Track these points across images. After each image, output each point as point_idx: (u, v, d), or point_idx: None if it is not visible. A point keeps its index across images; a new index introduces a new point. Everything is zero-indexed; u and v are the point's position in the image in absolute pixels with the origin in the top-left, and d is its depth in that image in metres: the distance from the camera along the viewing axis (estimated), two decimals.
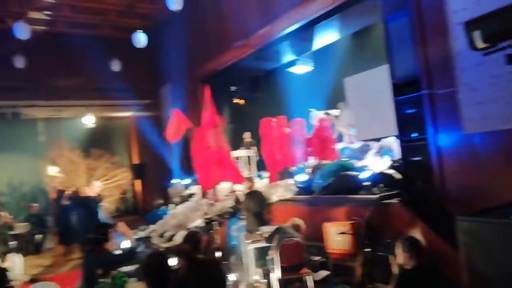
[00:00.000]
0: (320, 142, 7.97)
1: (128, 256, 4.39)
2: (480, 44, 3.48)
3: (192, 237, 4.16)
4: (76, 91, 11.57)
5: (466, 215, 3.31)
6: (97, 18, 11.27)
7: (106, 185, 9.79)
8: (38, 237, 10.79)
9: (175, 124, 9.49)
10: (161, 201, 11.73)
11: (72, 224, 9.59)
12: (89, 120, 12.58)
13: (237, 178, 8.40)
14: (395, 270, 3.70)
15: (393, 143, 7.32)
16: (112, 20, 11.42)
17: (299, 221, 5.44)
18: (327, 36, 8.40)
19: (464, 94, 4.68)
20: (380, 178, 5.62)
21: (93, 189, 8.37)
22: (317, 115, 8.52)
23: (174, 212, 8.75)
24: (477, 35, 3.47)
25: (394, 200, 5.20)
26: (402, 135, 5.52)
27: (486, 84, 4.49)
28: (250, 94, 11.39)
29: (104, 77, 11.38)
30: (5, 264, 6.17)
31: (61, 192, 10.03)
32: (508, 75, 4.15)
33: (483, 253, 3.11)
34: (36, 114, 13.09)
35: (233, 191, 8.21)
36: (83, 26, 11.40)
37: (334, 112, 8.96)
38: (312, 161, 7.95)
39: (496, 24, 3.39)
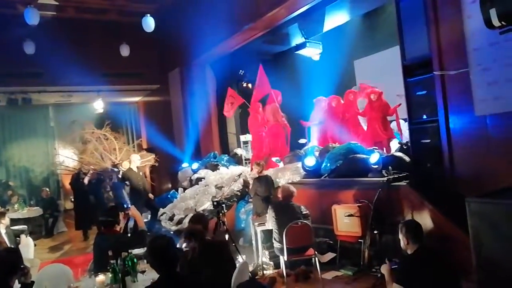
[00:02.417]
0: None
1: (139, 238, 4.43)
2: (496, 22, 3.38)
3: (200, 219, 4.20)
4: (86, 76, 11.59)
5: (476, 197, 3.26)
6: (106, 3, 11.19)
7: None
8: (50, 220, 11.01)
9: (229, 100, 9.82)
10: (170, 185, 11.85)
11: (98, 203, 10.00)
12: (99, 105, 12.65)
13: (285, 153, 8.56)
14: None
15: (402, 125, 7.23)
16: (121, 5, 11.33)
17: (301, 207, 5.48)
18: (337, 18, 8.26)
19: (477, 74, 4.57)
20: (389, 161, 5.56)
21: (135, 162, 8.62)
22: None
23: (183, 196, 8.81)
24: (493, 13, 3.37)
25: (403, 183, 5.16)
26: (412, 118, 5.44)
27: (500, 64, 4.37)
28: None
29: (113, 62, 11.40)
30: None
31: (93, 173, 10.40)
32: None
33: (492, 234, 3.08)
34: (46, 100, 13.22)
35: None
36: (92, 11, 11.35)
37: None
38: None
39: None
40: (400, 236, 3.23)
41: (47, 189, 12.01)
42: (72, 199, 11.17)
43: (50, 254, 8.73)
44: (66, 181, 12.98)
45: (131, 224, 6.64)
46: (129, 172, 8.55)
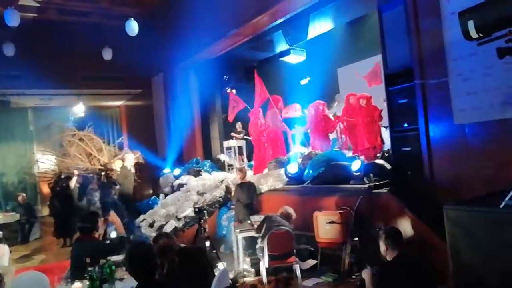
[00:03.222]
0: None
1: (118, 245, 4.35)
2: (474, 34, 3.44)
3: (162, 236, 4.08)
4: (67, 79, 11.40)
5: (453, 204, 3.31)
6: (89, 6, 11.05)
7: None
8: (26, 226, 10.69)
9: (231, 104, 10.02)
10: (151, 191, 11.68)
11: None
12: (79, 109, 12.44)
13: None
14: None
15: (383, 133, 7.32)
16: (105, 7, 11.22)
17: (290, 209, 5.43)
18: (321, 26, 8.33)
19: (456, 84, 4.67)
20: (370, 168, 5.61)
21: (130, 160, 8.38)
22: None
23: (164, 202, 8.70)
24: (470, 24, 3.44)
25: (384, 190, 5.21)
26: (394, 126, 5.51)
27: (479, 74, 4.47)
28: (243, 84, 11.32)
29: (95, 66, 11.24)
30: None
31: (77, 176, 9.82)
32: (501, 65, 4.13)
33: (468, 242, 3.12)
34: (25, 103, 12.93)
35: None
36: (74, 14, 11.19)
37: None
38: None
39: (490, 14, 3.35)
40: (380, 243, 3.26)
41: (24, 194, 11.69)
42: (50, 205, 10.83)
43: (26, 261, 8.48)
44: (44, 186, 12.66)
45: (110, 230, 6.52)
46: (124, 171, 8.30)
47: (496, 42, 3.38)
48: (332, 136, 8.73)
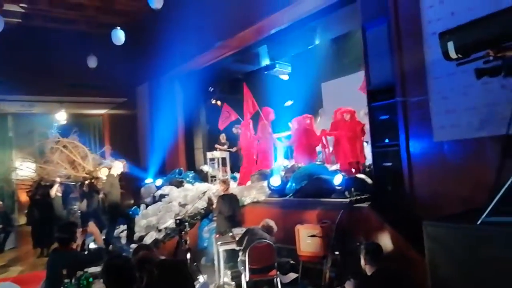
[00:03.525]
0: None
1: (96, 256, 4.27)
2: (453, 54, 3.55)
3: (143, 248, 4.02)
4: (50, 86, 11.25)
5: (432, 221, 3.36)
6: (75, 13, 11.01)
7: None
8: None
9: (224, 115, 10.17)
10: (132, 201, 11.51)
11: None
12: (61, 117, 12.26)
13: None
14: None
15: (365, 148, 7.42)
16: (90, 16, 11.18)
17: (271, 222, 5.42)
18: (306, 41, 8.47)
19: (436, 102, 4.78)
20: (352, 183, 5.67)
21: (117, 168, 8.22)
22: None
23: (145, 212, 8.59)
24: (450, 45, 3.55)
25: (365, 204, 5.27)
26: (375, 141, 5.59)
27: (457, 93, 4.60)
28: (228, 96, 11.36)
29: (80, 74, 11.14)
30: None
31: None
32: (478, 86, 4.25)
33: (447, 258, 3.16)
34: (6, 109, 12.69)
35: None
36: (60, 21, 11.12)
37: None
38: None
39: (469, 36, 3.46)
40: (361, 257, 3.28)
41: (1, 202, 11.38)
42: (28, 213, 10.52)
43: (1, 272, 8.22)
44: (22, 194, 12.35)
45: (89, 241, 6.40)
46: (110, 179, 8.14)
47: (474, 63, 3.49)
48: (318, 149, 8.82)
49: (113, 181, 8.09)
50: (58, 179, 9.23)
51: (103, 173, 8.69)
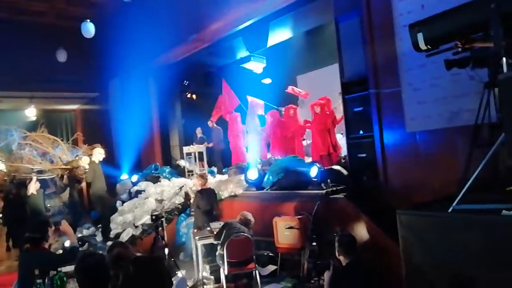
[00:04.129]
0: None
1: (69, 255, 4.17)
2: (422, 45, 3.61)
3: (117, 245, 3.96)
4: (18, 81, 10.87)
5: (405, 209, 3.43)
6: (43, 5, 10.63)
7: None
8: None
9: (217, 107, 10.10)
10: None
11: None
12: (31, 113, 11.89)
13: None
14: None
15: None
16: (59, 8, 10.82)
17: (249, 215, 5.43)
18: (280, 34, 8.47)
19: (408, 94, 4.88)
20: (328, 174, 5.74)
21: (99, 155, 7.83)
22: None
23: (121, 209, 8.45)
24: (420, 37, 3.61)
25: (340, 195, 5.34)
26: (350, 133, 5.67)
27: (428, 85, 4.70)
28: (203, 89, 11.26)
29: (49, 68, 10.81)
30: None
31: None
32: (448, 77, 4.36)
33: (420, 246, 3.23)
34: None
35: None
36: (27, 13, 10.72)
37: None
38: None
39: (437, 27, 3.54)
40: (336, 248, 3.33)
41: None
42: (3, 214, 10.08)
43: None
44: None
45: (63, 240, 6.23)
46: (93, 167, 7.77)
47: (444, 56, 3.57)
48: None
49: (96, 168, 7.80)
50: (34, 176, 8.68)
51: (84, 162, 8.24)
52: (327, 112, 7.58)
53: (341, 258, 3.24)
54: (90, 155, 8.16)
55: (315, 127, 7.53)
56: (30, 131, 10.18)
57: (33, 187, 8.41)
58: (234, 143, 9.42)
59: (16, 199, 9.25)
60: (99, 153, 8.06)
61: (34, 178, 8.51)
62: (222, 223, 5.57)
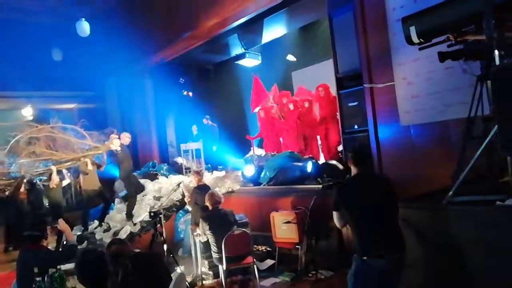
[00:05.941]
0: None
1: (68, 253, 4.19)
2: (415, 39, 3.65)
3: (116, 242, 3.98)
4: (14, 81, 10.84)
5: (400, 202, 3.47)
6: (38, 4, 10.59)
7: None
8: None
9: (253, 95, 9.51)
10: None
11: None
12: (27, 112, 11.88)
13: None
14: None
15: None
16: (55, 7, 10.78)
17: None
18: (275, 30, 8.47)
19: (401, 88, 4.92)
20: (324, 169, 5.78)
21: (126, 138, 8.06)
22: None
23: (120, 207, 8.48)
24: (412, 30, 3.64)
25: None
26: (345, 127, 5.71)
27: (421, 79, 4.74)
28: (199, 87, 11.27)
29: (45, 67, 10.79)
30: None
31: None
32: (441, 70, 4.40)
33: (415, 238, 3.27)
34: None
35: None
36: (22, 11, 10.67)
37: None
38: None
39: (430, 21, 3.57)
40: (348, 158, 3.34)
41: None
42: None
43: None
44: None
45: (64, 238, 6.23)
46: (123, 149, 7.96)
47: (436, 48, 3.61)
48: None
49: (127, 152, 8.05)
50: (53, 167, 8.07)
51: (116, 144, 8.04)
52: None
53: (352, 168, 3.21)
54: (118, 138, 8.16)
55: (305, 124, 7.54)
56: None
57: (56, 180, 8.00)
58: (269, 136, 8.87)
59: (29, 197, 8.26)
60: (126, 137, 8.20)
61: (55, 170, 8.04)
62: None
